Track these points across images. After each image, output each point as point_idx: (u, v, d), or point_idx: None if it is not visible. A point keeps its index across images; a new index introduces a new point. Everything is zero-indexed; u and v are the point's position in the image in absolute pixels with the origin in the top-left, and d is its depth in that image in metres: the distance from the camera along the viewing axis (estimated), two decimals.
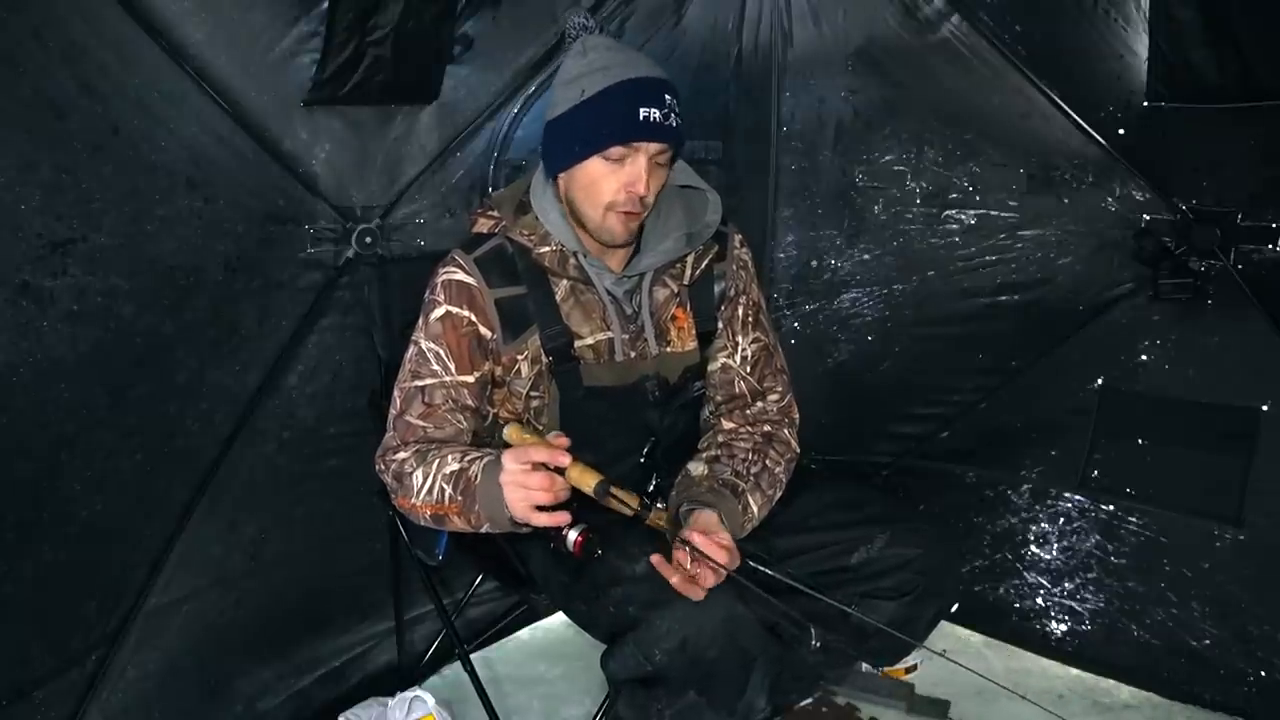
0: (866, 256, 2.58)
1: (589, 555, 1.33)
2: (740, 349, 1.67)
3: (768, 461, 1.60)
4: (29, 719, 1.57)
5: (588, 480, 1.28)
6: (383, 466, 1.52)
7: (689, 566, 1.34)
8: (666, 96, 1.41)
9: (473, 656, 1.83)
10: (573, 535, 1.31)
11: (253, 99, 1.70)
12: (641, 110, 1.38)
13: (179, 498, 1.76)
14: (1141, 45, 2.02)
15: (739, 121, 2.58)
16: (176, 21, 1.56)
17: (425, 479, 1.42)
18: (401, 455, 1.48)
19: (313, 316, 1.91)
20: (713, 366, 1.67)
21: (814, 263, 2.64)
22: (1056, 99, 2.19)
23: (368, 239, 1.94)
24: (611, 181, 1.43)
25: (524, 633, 2.44)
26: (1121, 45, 2.05)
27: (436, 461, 1.42)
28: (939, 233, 2.45)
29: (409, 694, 1.89)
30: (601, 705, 1.72)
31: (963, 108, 2.35)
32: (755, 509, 1.54)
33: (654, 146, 1.41)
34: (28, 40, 1.36)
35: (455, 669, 2.20)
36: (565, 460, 1.28)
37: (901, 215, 2.50)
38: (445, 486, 1.39)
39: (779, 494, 1.61)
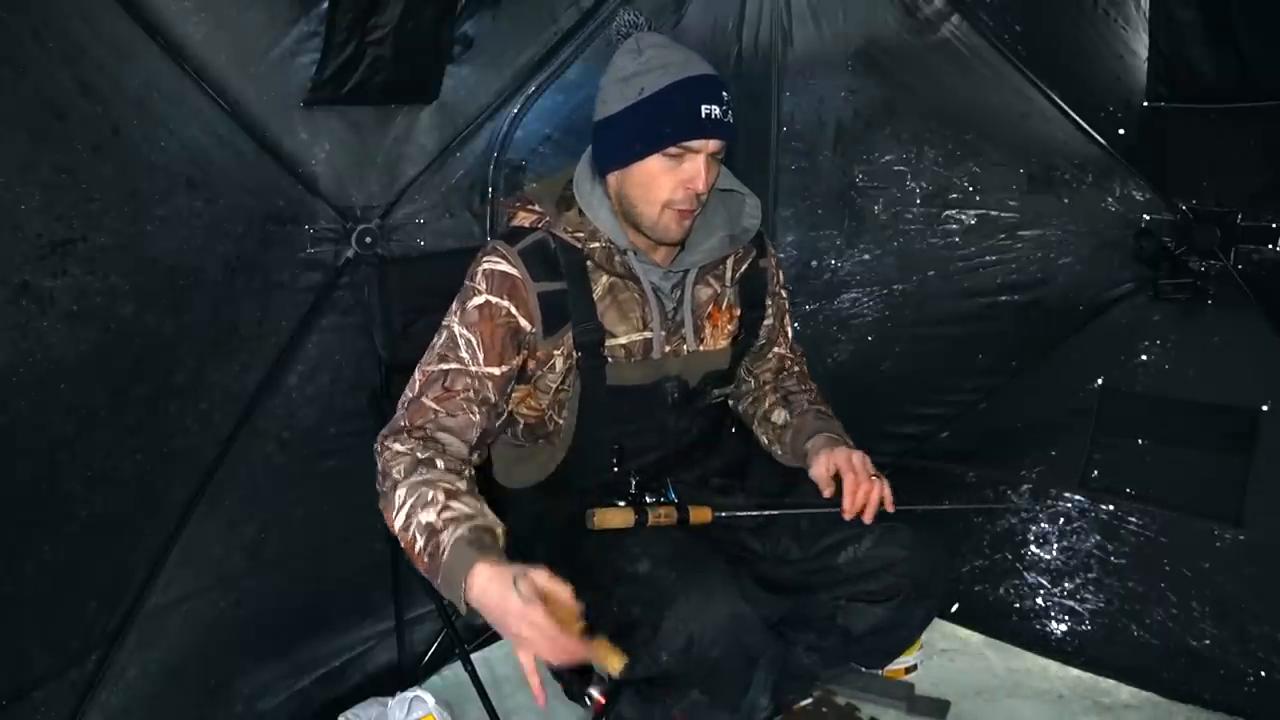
0: (866, 256, 2.58)
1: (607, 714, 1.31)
2: (789, 337, 1.85)
3: (812, 384, 1.84)
4: (29, 719, 1.57)
5: (614, 662, 1.20)
6: (379, 449, 1.44)
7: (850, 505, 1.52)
8: (724, 94, 1.43)
9: (473, 656, 1.83)
10: (595, 694, 1.27)
11: (252, 99, 1.70)
12: (704, 108, 1.40)
13: (179, 498, 1.76)
14: (1141, 45, 2.02)
15: (739, 121, 2.57)
16: (176, 21, 1.56)
17: (404, 505, 1.34)
18: (398, 448, 1.40)
19: (313, 316, 1.91)
20: (769, 355, 1.82)
21: (814, 263, 2.64)
22: (1056, 99, 2.19)
23: (368, 239, 1.94)
24: (670, 179, 1.43)
25: None
26: (1121, 45, 2.05)
27: (417, 494, 1.33)
28: (939, 233, 2.45)
29: (409, 694, 1.89)
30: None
31: (963, 108, 2.35)
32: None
33: (713, 144, 1.43)
34: (28, 40, 1.36)
35: (455, 669, 2.19)
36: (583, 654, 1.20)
37: (901, 215, 2.50)
38: (418, 534, 1.32)
39: None
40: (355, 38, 1.74)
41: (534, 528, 1.66)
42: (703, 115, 1.40)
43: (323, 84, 1.76)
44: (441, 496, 1.33)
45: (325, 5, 1.68)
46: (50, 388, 1.47)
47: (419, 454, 1.39)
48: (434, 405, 1.44)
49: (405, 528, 1.34)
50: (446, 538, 1.28)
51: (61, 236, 1.44)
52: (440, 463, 1.39)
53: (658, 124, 1.41)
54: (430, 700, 1.88)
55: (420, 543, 1.31)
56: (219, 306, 1.73)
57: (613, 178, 1.50)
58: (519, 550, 1.67)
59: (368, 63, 1.78)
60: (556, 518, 1.60)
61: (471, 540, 1.27)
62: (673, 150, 1.42)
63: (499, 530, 1.33)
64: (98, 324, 1.52)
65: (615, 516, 1.47)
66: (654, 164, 1.43)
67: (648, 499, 1.52)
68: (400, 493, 1.35)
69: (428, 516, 1.31)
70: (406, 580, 2.14)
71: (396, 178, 2.00)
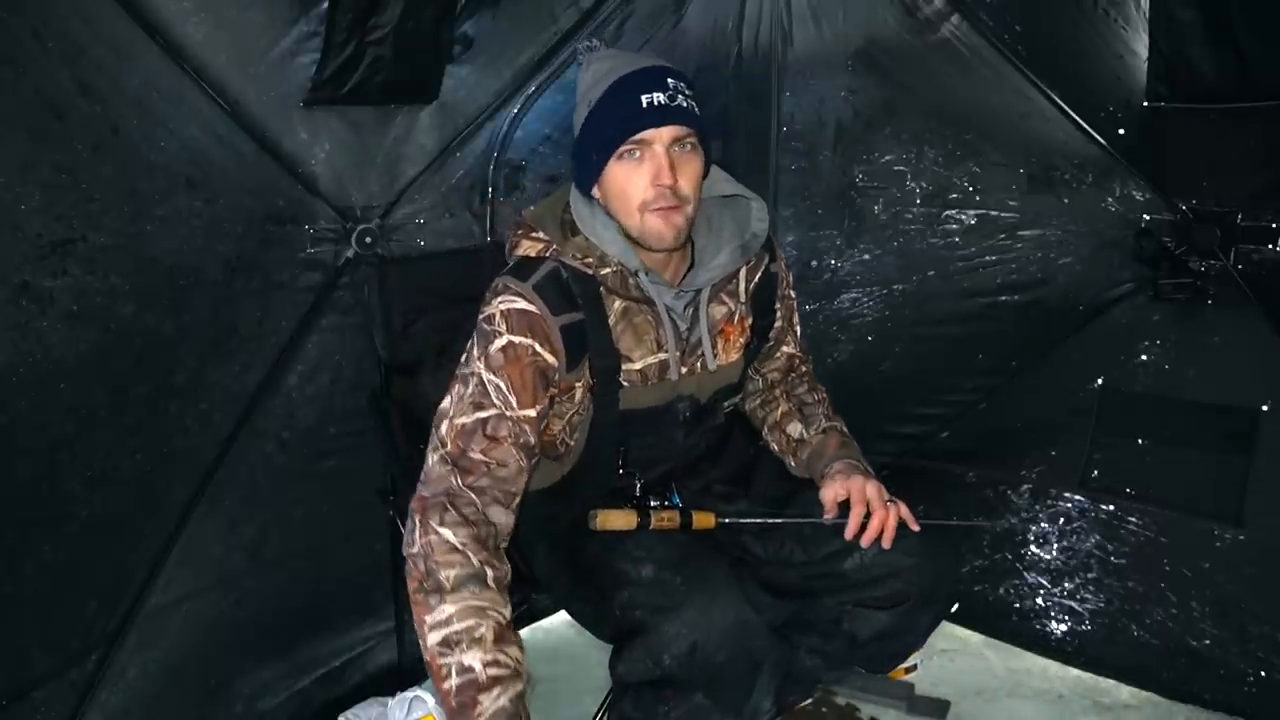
0: (866, 256, 2.58)
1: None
2: (797, 335, 1.82)
3: (823, 393, 1.81)
4: (29, 719, 1.57)
5: None
6: (419, 519, 1.33)
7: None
8: (669, 80, 1.38)
9: None
10: None
11: (252, 99, 1.70)
12: (643, 98, 1.36)
13: (179, 497, 1.76)
14: (1141, 45, 2.02)
15: (739, 121, 2.58)
16: (175, 21, 1.56)
17: (447, 625, 1.26)
18: (447, 537, 1.30)
19: (313, 316, 1.91)
20: (777, 355, 1.79)
21: (814, 263, 2.64)
22: (1056, 99, 2.19)
23: (368, 239, 1.94)
24: (638, 180, 1.39)
25: (524, 633, 2.42)
26: (1121, 45, 2.05)
27: (466, 625, 1.26)
28: (939, 233, 2.45)
29: (409, 694, 1.89)
30: (602, 704, 1.72)
31: (963, 108, 2.35)
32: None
33: (667, 132, 1.37)
34: (28, 40, 1.36)
35: None
36: None
37: (901, 215, 2.50)
38: (454, 671, 1.25)
39: None
40: (355, 38, 1.74)
41: (537, 530, 1.66)
42: (644, 105, 1.36)
43: (323, 84, 1.76)
44: (490, 636, 1.26)
45: (325, 5, 1.68)
46: (50, 388, 1.47)
47: (473, 557, 1.31)
48: (483, 457, 1.36)
49: (442, 654, 1.26)
50: (487, 703, 1.23)
51: (61, 236, 1.44)
52: (491, 573, 1.31)
53: (605, 128, 1.39)
54: (430, 700, 1.87)
55: (453, 681, 1.24)
56: (219, 306, 1.73)
57: (600, 198, 1.47)
58: (521, 552, 1.68)
59: (368, 63, 1.78)
60: (559, 520, 1.60)
61: (511, 716, 1.24)
62: (628, 149, 1.38)
63: (530, 689, 1.31)
64: (98, 324, 1.52)
65: (618, 518, 1.47)
66: (617, 170, 1.40)
67: (651, 502, 1.52)
68: (446, 609, 1.27)
69: (472, 660, 1.25)
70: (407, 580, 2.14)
71: (396, 178, 2.00)
